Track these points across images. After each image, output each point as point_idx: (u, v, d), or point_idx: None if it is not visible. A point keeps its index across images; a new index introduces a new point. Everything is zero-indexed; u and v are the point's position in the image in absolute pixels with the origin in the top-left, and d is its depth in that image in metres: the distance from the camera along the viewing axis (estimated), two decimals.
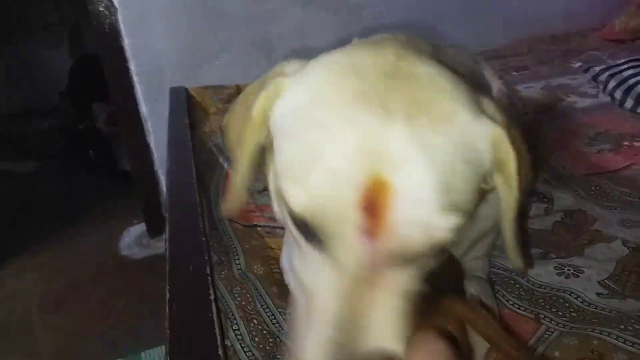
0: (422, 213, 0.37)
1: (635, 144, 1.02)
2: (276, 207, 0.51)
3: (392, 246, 0.38)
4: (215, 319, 0.53)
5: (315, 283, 0.41)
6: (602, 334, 0.53)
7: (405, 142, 0.37)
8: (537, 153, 0.90)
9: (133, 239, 1.86)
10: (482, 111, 0.43)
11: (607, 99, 1.25)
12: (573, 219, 0.77)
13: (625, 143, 1.02)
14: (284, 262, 0.65)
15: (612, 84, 1.25)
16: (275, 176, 0.45)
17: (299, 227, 0.42)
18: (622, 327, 0.54)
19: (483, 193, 0.46)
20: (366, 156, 0.37)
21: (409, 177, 0.37)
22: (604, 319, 0.57)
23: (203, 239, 0.64)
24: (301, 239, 0.43)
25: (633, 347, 0.52)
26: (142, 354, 1.26)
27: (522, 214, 0.54)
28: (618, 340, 0.53)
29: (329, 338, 0.38)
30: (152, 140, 1.75)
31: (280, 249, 0.73)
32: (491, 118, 0.43)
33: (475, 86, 0.45)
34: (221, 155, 1.07)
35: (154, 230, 1.83)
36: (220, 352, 0.50)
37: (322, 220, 0.39)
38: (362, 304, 0.38)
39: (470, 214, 0.41)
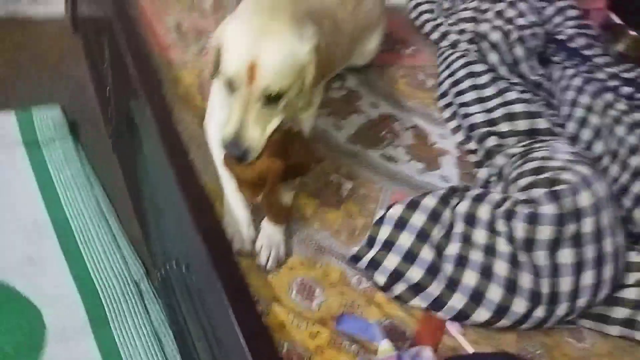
0: (268, 75, 0.87)
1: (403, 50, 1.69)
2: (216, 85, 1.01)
3: (258, 86, 0.88)
4: None
5: (230, 107, 0.91)
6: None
7: (266, 49, 0.88)
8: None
9: None
10: (304, 40, 0.92)
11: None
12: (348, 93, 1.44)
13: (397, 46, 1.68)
14: (209, 127, 1.12)
15: None
16: (222, 73, 0.94)
17: (226, 84, 0.92)
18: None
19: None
20: (248, 54, 0.87)
21: (264, 62, 0.87)
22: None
23: None
24: (227, 90, 0.93)
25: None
26: (33, 108, 1.58)
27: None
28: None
29: (233, 125, 0.89)
30: None
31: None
32: (307, 42, 0.93)
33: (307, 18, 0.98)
34: None
35: None
36: None
37: (236, 77, 0.89)
38: (246, 115, 0.88)
39: (293, 84, 0.92)
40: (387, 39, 1.65)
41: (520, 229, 1.03)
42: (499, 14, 1.58)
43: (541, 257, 1.02)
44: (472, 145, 1.41)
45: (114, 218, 1.47)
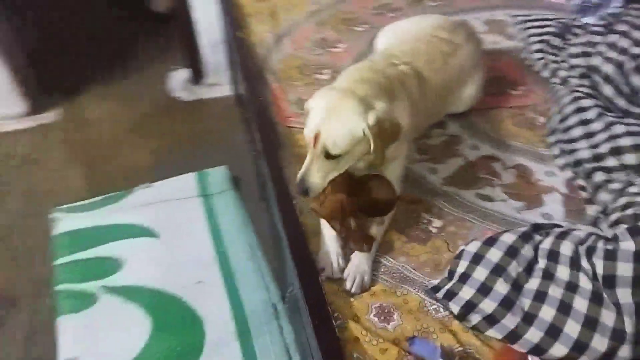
0: (327, 143, 1.11)
1: (512, 91, 1.73)
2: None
3: (319, 148, 1.12)
4: None
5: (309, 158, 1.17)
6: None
7: (328, 125, 1.12)
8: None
9: (179, 83, 2.54)
10: (365, 119, 1.14)
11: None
12: (448, 138, 1.56)
13: (506, 88, 1.73)
14: None
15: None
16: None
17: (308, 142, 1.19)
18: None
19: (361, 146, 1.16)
20: (316, 124, 1.13)
21: (326, 132, 1.11)
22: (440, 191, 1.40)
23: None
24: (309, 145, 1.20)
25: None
26: (207, 169, 2.10)
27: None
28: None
29: (302, 171, 1.14)
30: None
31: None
32: (367, 120, 1.14)
33: (383, 92, 1.21)
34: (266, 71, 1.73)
35: (197, 76, 2.50)
36: None
37: (306, 139, 1.15)
38: (312, 165, 1.13)
39: (352, 149, 1.14)
40: (497, 81, 1.73)
41: (599, 265, 1.02)
42: (612, 45, 1.53)
43: (624, 294, 0.98)
44: (581, 181, 1.38)
45: (261, 253, 1.83)
